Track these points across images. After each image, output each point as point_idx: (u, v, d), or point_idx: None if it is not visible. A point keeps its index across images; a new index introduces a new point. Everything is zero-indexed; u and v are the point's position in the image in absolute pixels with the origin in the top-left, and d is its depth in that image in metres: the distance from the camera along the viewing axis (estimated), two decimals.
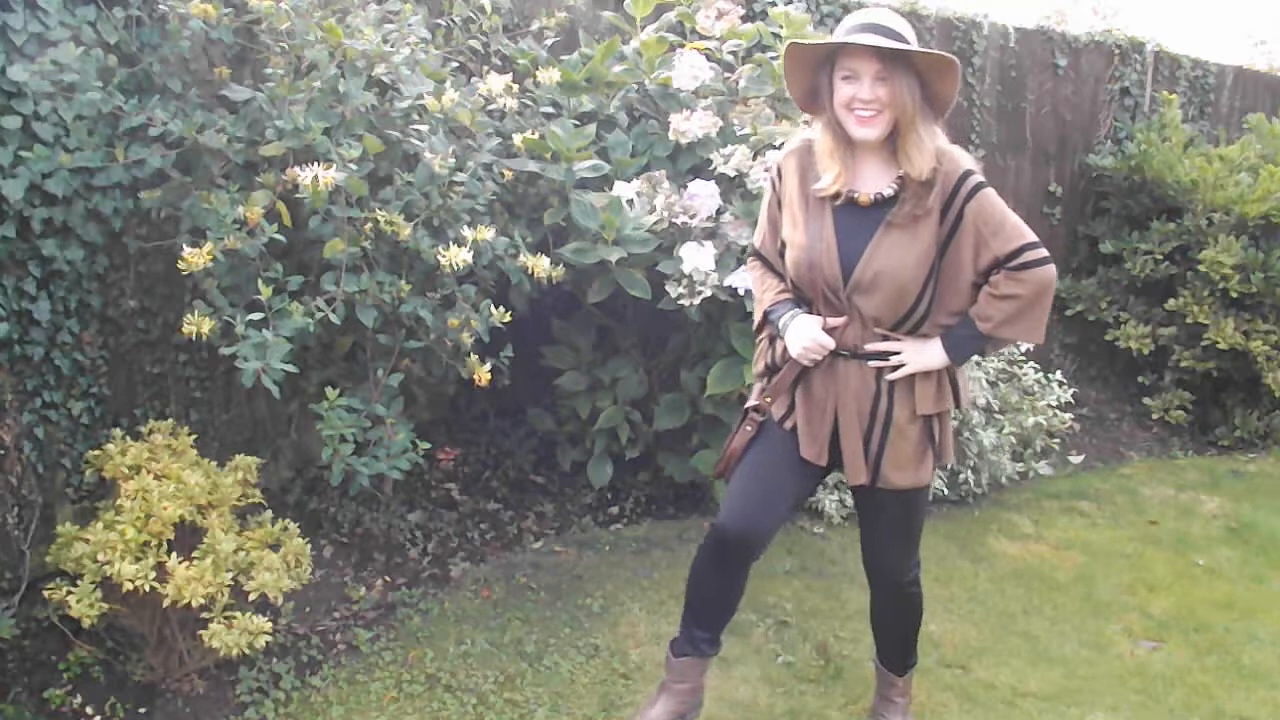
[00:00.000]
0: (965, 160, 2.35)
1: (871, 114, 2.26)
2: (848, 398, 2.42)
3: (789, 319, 2.44)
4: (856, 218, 2.35)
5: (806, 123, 3.87)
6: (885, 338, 2.40)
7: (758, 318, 2.59)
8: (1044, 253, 2.37)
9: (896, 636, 2.80)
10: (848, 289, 2.36)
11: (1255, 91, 7.44)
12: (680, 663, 2.64)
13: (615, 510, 4.16)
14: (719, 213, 3.50)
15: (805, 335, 2.39)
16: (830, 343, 2.39)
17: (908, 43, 2.26)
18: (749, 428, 2.52)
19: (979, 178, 2.34)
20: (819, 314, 2.43)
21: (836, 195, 2.36)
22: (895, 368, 2.39)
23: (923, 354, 2.39)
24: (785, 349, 2.46)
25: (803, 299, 2.48)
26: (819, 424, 2.45)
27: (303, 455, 3.78)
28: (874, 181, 2.35)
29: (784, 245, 2.47)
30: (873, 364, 2.40)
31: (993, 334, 2.39)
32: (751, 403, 2.53)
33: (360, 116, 2.99)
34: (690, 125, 3.62)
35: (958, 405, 2.51)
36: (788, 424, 2.49)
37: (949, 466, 2.60)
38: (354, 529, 3.70)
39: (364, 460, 2.90)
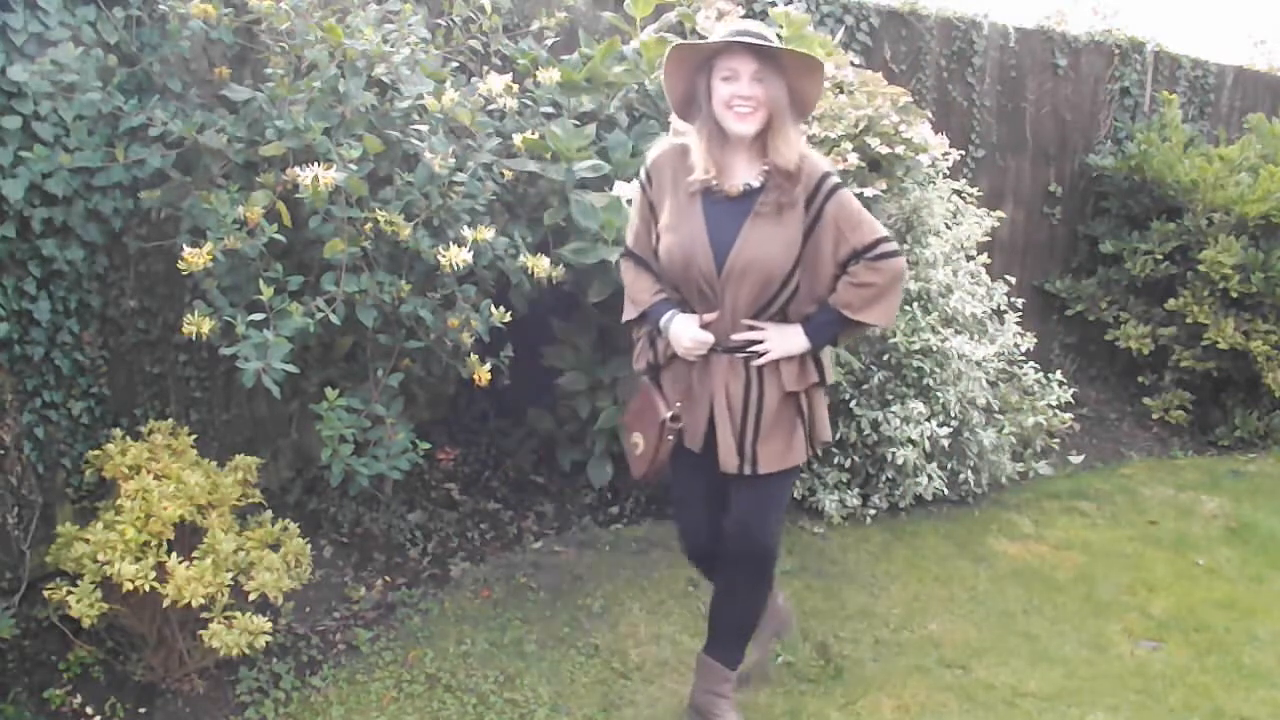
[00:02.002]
0: (824, 163, 2.56)
1: (749, 110, 2.44)
2: (720, 389, 2.56)
3: (668, 320, 2.58)
4: (725, 209, 2.52)
5: (814, 121, 3.87)
6: (750, 328, 2.55)
7: (631, 314, 2.71)
8: (896, 246, 2.58)
9: (734, 620, 2.82)
10: (721, 277, 2.50)
11: (1255, 91, 7.44)
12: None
13: (615, 510, 4.16)
14: None
15: (686, 334, 2.54)
16: (709, 338, 2.53)
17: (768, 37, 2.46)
18: (670, 438, 2.61)
19: (836, 179, 2.54)
20: (693, 310, 2.57)
21: (707, 189, 2.53)
22: (761, 354, 2.55)
23: (786, 340, 2.55)
24: (667, 346, 2.61)
25: (677, 295, 2.61)
26: (697, 416, 2.60)
27: (303, 455, 3.78)
28: (742, 175, 2.53)
29: (658, 242, 2.60)
30: (741, 355, 2.55)
31: (854, 318, 2.56)
32: (664, 414, 2.60)
33: (360, 116, 2.99)
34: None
35: (823, 381, 2.65)
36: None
37: (825, 447, 2.77)
38: (354, 529, 3.70)
39: (364, 460, 2.90)
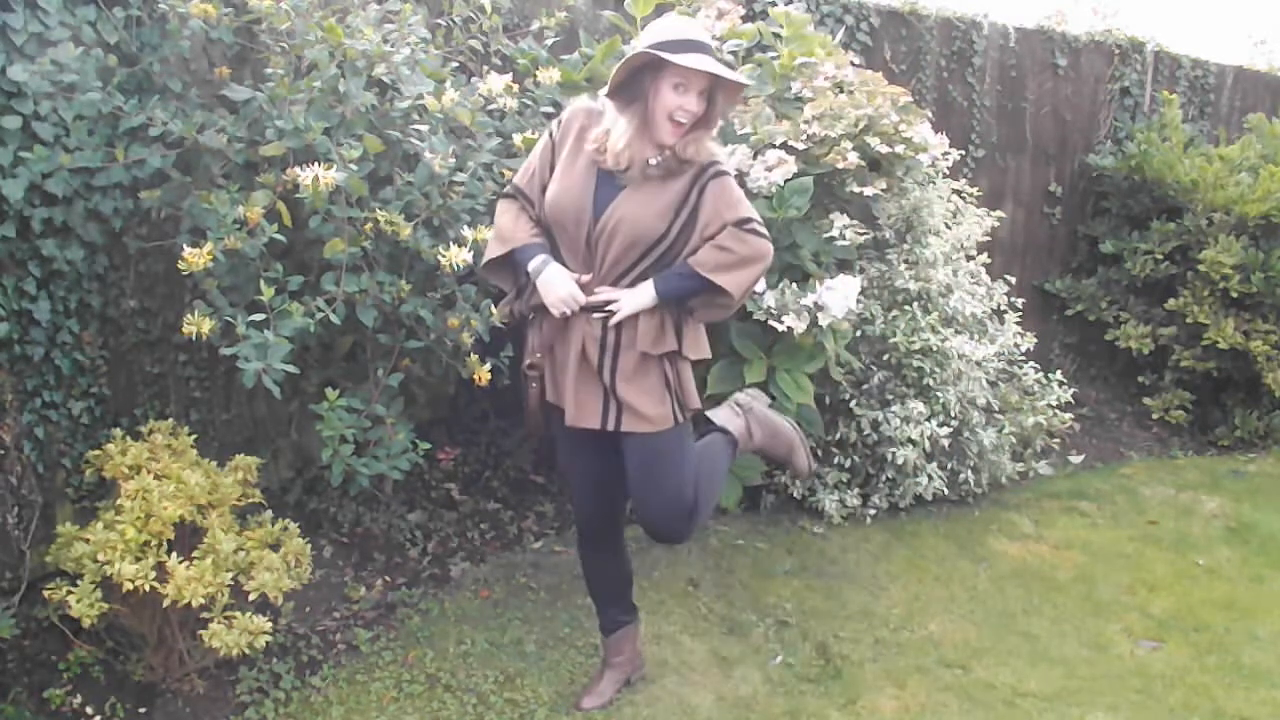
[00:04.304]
0: (720, 154, 2.66)
1: (687, 122, 2.50)
2: (574, 347, 2.61)
3: (541, 263, 2.59)
4: (611, 176, 2.58)
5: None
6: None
7: (498, 251, 2.68)
8: (766, 232, 2.63)
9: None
10: (595, 234, 2.56)
11: (1255, 91, 7.43)
12: (613, 639, 2.98)
13: None
14: None
15: (561, 288, 2.56)
16: (582, 298, 2.56)
17: (723, 59, 2.52)
18: (535, 385, 2.68)
19: (723, 167, 2.63)
20: (565, 266, 2.60)
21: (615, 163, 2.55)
22: (613, 314, 2.58)
23: (636, 295, 2.59)
24: (532, 296, 2.63)
25: (550, 246, 2.64)
26: (561, 374, 2.65)
27: (303, 455, 3.78)
28: (640, 154, 2.56)
29: (544, 190, 2.64)
30: (596, 315, 2.58)
31: (704, 274, 2.57)
32: (526, 362, 2.68)
33: (360, 116, 2.99)
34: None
35: (680, 349, 2.66)
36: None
37: (692, 413, 2.75)
38: (354, 529, 3.70)
39: (364, 460, 2.90)
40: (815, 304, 3.52)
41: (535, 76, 3.69)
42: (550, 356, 2.68)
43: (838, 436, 4.22)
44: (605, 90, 2.58)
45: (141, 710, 2.80)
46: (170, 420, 3.06)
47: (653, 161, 2.55)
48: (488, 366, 3.09)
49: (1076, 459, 5.25)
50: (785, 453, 3.09)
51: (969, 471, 4.49)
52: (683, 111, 2.48)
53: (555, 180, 2.62)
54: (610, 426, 2.61)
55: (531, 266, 2.60)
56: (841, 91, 4.02)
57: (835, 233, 3.78)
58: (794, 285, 3.58)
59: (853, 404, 4.20)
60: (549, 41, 3.96)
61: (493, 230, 2.74)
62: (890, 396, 4.23)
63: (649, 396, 2.61)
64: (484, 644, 3.19)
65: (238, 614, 2.63)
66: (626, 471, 2.68)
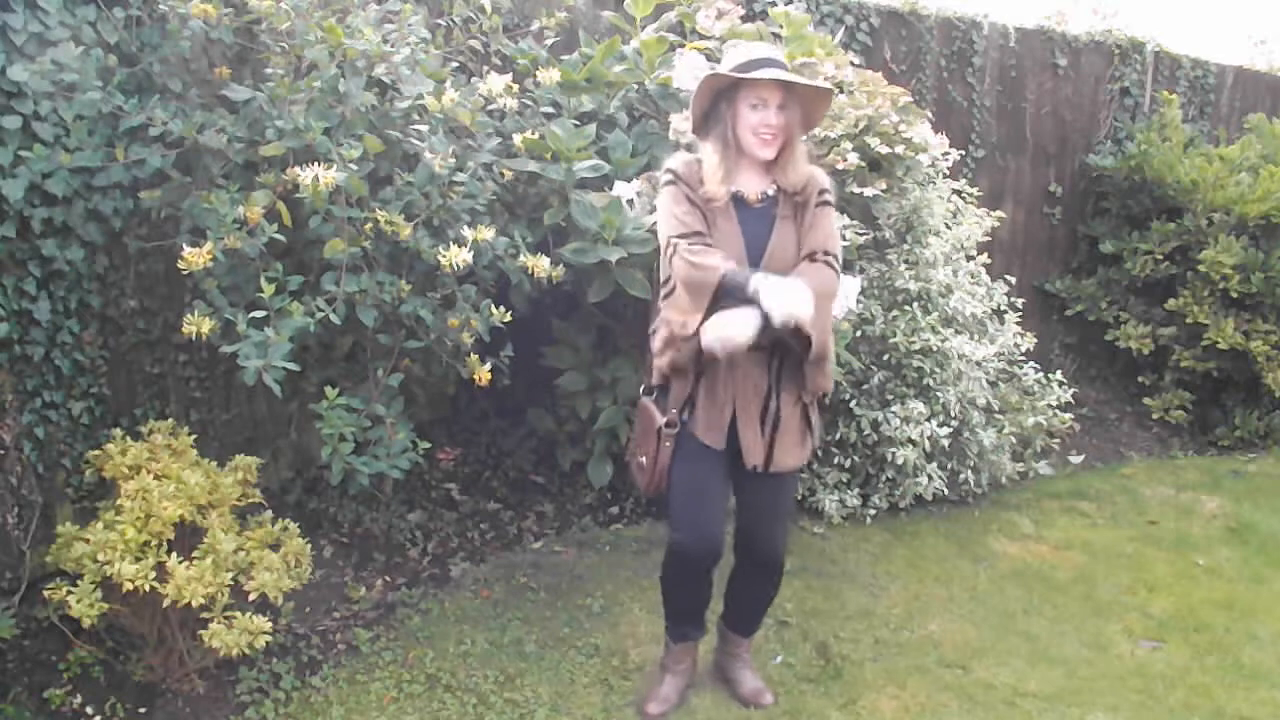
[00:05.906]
0: (824, 178, 2.71)
1: (772, 136, 2.58)
2: (747, 391, 2.66)
3: (763, 278, 2.49)
4: (752, 216, 2.65)
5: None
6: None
7: (714, 280, 2.53)
8: (835, 265, 2.65)
9: (757, 608, 3.01)
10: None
11: (1255, 91, 7.43)
12: (679, 648, 2.97)
13: (615, 510, 4.16)
14: None
15: (798, 295, 2.45)
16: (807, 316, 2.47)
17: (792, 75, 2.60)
18: (668, 444, 2.69)
19: (830, 196, 2.70)
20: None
21: (727, 197, 2.63)
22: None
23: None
24: (692, 342, 2.55)
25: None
26: (719, 416, 2.67)
27: (303, 455, 3.78)
28: (755, 184, 2.66)
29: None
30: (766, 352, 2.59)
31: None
32: (661, 420, 2.69)
33: (360, 116, 2.99)
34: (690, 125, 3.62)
35: (826, 394, 2.80)
36: (691, 426, 2.69)
37: (818, 448, 2.90)
38: (354, 529, 3.70)
39: (364, 460, 2.90)
40: None
41: (535, 76, 3.69)
42: (710, 400, 2.65)
43: (838, 436, 4.22)
44: (690, 128, 2.69)
45: (141, 710, 2.80)
46: (170, 420, 3.06)
47: (770, 192, 2.64)
48: (488, 366, 3.09)
49: (1076, 459, 5.24)
50: None
51: (969, 471, 4.49)
52: (765, 128, 2.56)
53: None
54: (766, 466, 2.69)
55: (752, 287, 2.46)
56: (841, 92, 4.02)
57: None
58: None
59: (853, 404, 4.20)
60: (549, 41, 3.96)
61: (701, 270, 2.52)
62: (890, 396, 4.23)
63: (797, 439, 2.73)
64: (484, 644, 3.19)
65: (238, 614, 2.63)
66: (749, 501, 2.80)
